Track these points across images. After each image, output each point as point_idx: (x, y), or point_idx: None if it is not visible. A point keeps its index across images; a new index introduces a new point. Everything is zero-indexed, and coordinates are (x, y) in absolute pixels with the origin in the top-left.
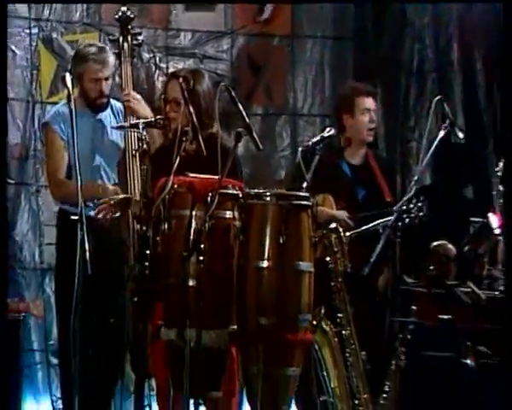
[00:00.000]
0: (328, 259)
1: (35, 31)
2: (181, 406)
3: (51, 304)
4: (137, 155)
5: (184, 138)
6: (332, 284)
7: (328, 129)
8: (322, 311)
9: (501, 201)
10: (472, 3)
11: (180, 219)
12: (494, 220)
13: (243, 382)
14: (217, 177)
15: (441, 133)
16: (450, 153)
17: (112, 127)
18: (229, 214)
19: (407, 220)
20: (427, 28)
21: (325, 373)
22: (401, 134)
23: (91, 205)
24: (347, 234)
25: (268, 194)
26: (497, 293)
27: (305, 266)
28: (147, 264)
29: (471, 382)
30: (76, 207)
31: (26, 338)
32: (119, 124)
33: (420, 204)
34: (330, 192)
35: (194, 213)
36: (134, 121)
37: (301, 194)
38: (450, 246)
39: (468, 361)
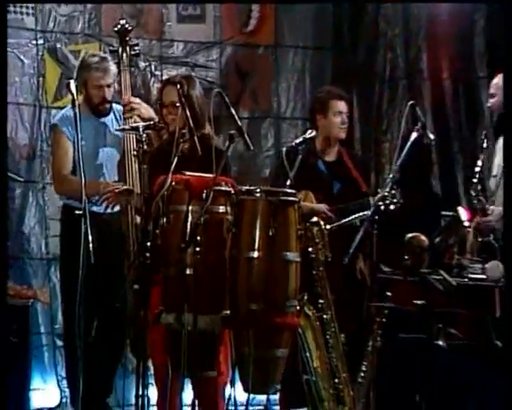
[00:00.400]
0: (310, 249)
1: (41, 41)
2: (177, 385)
3: (56, 291)
4: (138, 155)
5: (182, 139)
6: (314, 272)
7: (309, 131)
8: (305, 297)
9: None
10: (442, 15)
11: (178, 214)
12: (463, 213)
13: (236, 362)
14: (211, 175)
15: (414, 135)
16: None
17: (114, 129)
18: (222, 209)
19: (383, 207)
20: (399, 39)
21: (308, 354)
22: (375, 135)
23: (94, 201)
24: (328, 227)
25: (258, 190)
26: (466, 280)
27: (292, 256)
28: (148, 255)
29: (442, 361)
30: (79, 202)
31: (33, 322)
32: (121, 126)
33: (394, 192)
34: (309, 189)
35: (190, 208)
36: (135, 124)
37: (288, 190)
38: (423, 238)
39: (440, 342)
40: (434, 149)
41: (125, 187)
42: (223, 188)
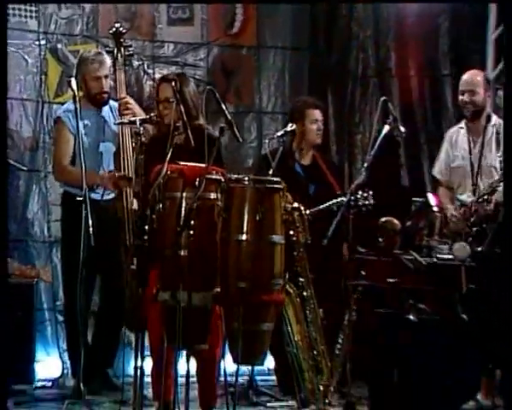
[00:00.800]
0: (291, 233)
1: (43, 42)
2: (172, 357)
3: (58, 271)
4: (136, 146)
5: (177, 132)
6: (295, 253)
7: (290, 125)
8: (287, 276)
9: None
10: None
11: (173, 200)
12: (432, 199)
13: (226, 336)
14: (203, 164)
15: (386, 128)
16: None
17: (114, 123)
18: (213, 196)
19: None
20: (370, 40)
21: (289, 328)
22: (348, 128)
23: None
24: (307, 212)
25: (246, 179)
26: (434, 259)
27: (278, 238)
28: (145, 238)
29: (412, 333)
30: (78, 189)
31: (37, 299)
32: (120, 120)
33: (366, 194)
34: (287, 190)
35: (184, 194)
36: (132, 118)
37: (274, 179)
38: (395, 221)
39: (411, 316)
40: (403, 140)
41: (123, 174)
42: (214, 176)
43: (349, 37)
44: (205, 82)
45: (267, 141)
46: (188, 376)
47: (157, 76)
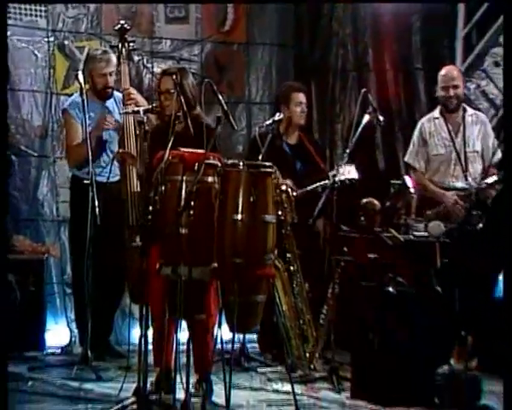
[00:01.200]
0: (279, 213)
1: (52, 39)
2: (173, 326)
3: (65, 248)
4: (140, 134)
5: (177, 121)
6: (283, 231)
7: (277, 114)
8: (275, 252)
9: None
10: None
11: (174, 183)
12: (409, 181)
13: (223, 307)
14: (201, 151)
15: (366, 117)
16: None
17: (119, 113)
18: (211, 179)
19: (339, 183)
20: (349, 38)
21: (277, 300)
22: (329, 118)
23: (98, 172)
24: (294, 194)
25: (241, 164)
26: (411, 237)
27: (270, 218)
28: (149, 217)
29: (391, 304)
30: (85, 173)
31: (47, 273)
32: (125, 110)
33: (349, 169)
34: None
35: (184, 178)
36: (136, 108)
37: (266, 163)
38: (375, 202)
39: (390, 289)
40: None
41: (130, 152)
42: (211, 162)
43: (330, 35)
44: (199, 75)
45: (257, 129)
46: (189, 344)
47: (155, 70)
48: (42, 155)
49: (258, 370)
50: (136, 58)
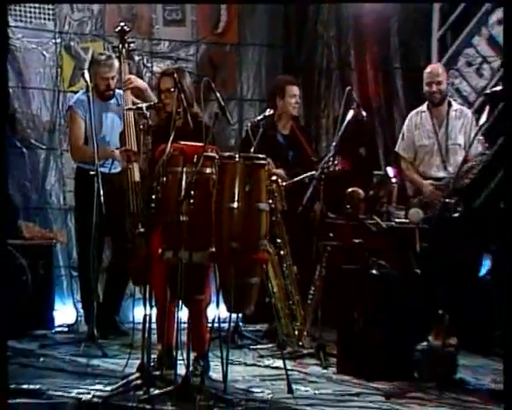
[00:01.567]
0: (270, 201)
1: (59, 40)
2: (174, 306)
3: (71, 234)
4: (143, 129)
5: (178, 117)
6: (273, 218)
7: (268, 110)
8: (267, 237)
9: None
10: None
11: (175, 174)
12: (390, 172)
13: (220, 288)
14: (200, 144)
15: (351, 112)
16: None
17: (125, 109)
18: (209, 171)
19: (326, 171)
20: (333, 39)
21: (268, 282)
22: (315, 113)
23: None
24: (284, 184)
25: (237, 156)
26: (393, 223)
27: (263, 206)
28: (153, 205)
29: (374, 285)
30: (89, 165)
31: (55, 258)
32: (129, 106)
33: (336, 161)
34: (270, 156)
35: (184, 169)
36: (139, 105)
37: (260, 156)
38: (360, 191)
39: (374, 271)
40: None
41: (133, 149)
42: (209, 154)
43: (315, 37)
44: (195, 74)
45: (249, 124)
46: (189, 323)
47: (155, 69)
48: (50, 148)
49: (251, 347)
50: (136, 58)
